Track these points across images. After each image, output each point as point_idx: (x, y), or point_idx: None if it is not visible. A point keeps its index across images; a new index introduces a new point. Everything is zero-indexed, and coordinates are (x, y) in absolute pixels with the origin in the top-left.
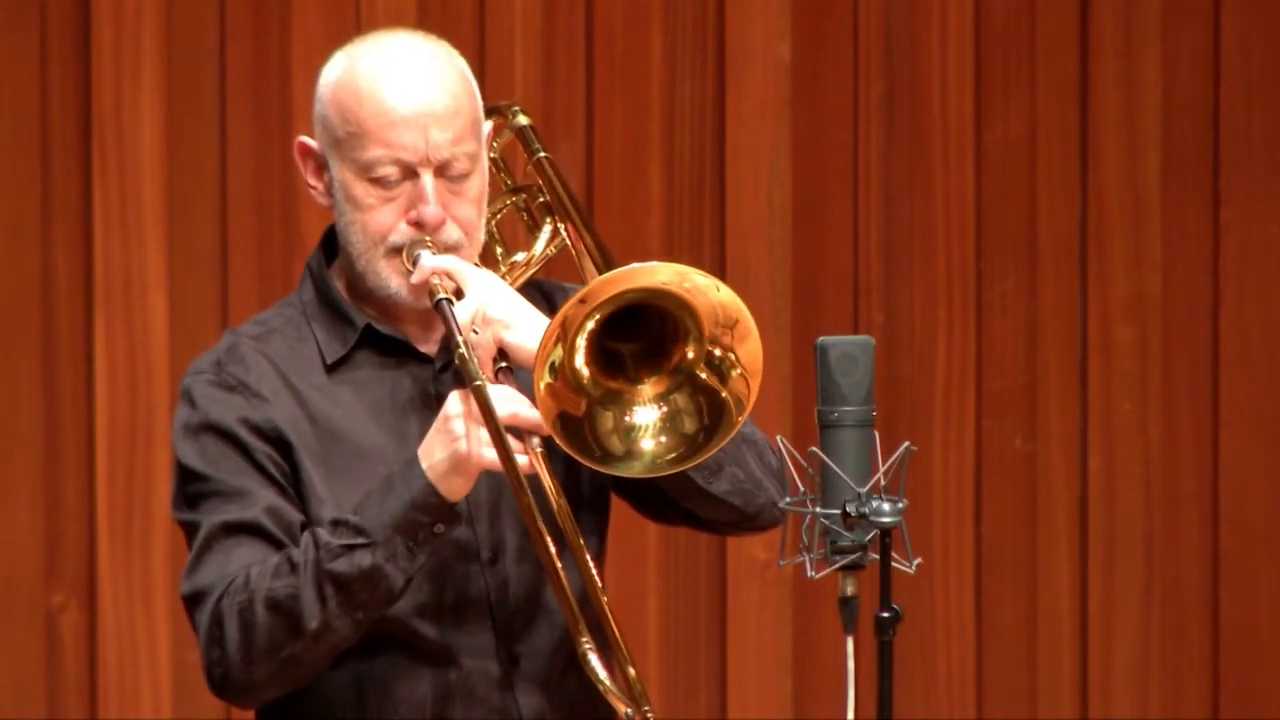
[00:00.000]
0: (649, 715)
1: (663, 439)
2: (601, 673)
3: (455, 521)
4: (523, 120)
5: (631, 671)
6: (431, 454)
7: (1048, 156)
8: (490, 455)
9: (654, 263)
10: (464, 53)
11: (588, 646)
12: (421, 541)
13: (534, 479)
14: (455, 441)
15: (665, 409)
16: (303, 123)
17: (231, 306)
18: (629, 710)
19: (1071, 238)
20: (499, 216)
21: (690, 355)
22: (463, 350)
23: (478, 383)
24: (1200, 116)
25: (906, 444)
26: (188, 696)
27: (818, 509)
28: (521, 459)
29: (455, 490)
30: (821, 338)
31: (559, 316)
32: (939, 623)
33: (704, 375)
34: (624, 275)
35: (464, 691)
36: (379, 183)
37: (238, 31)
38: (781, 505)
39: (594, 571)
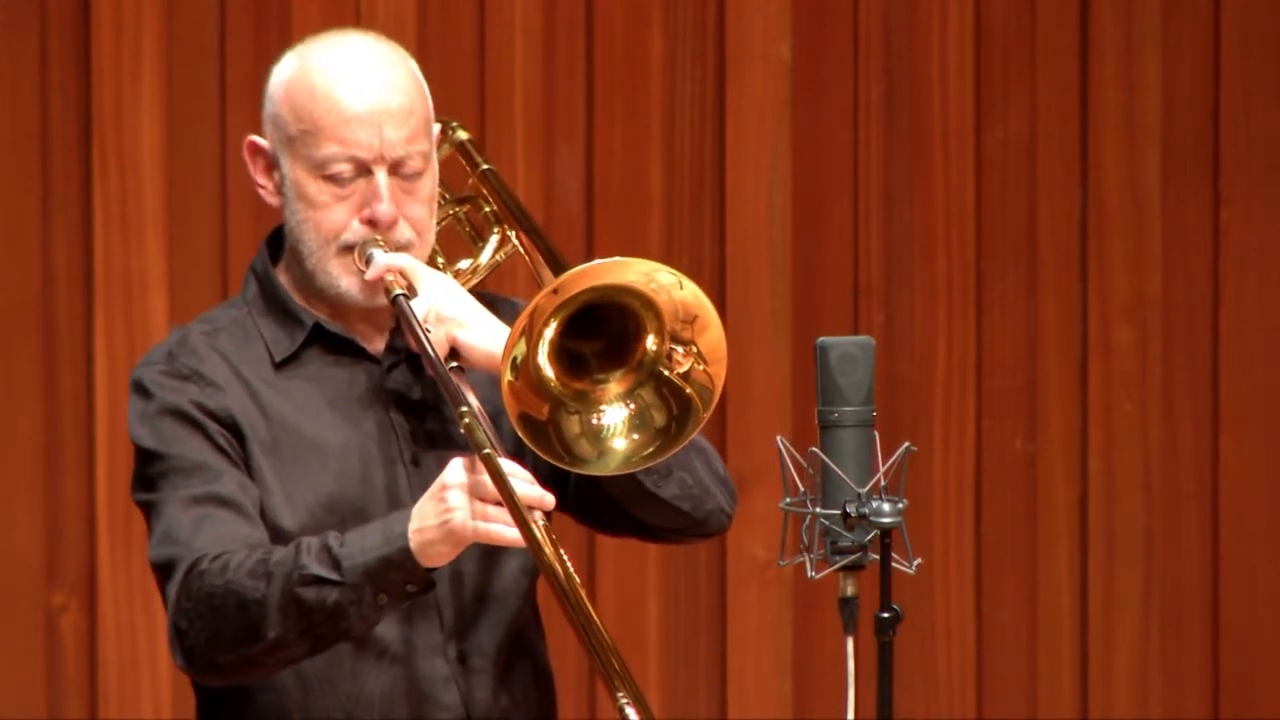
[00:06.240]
0: None
1: (635, 436)
2: None
3: (429, 587)
4: (462, 135)
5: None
6: (423, 518)
7: (1048, 156)
8: (485, 528)
9: (624, 258)
10: (464, 53)
11: (625, 701)
12: (392, 595)
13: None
14: (449, 512)
15: (633, 406)
16: None
17: None
18: None
19: (1071, 238)
20: (439, 227)
21: (652, 349)
22: (469, 420)
23: (486, 451)
24: (1200, 116)
25: (906, 444)
26: (188, 696)
27: (818, 509)
28: (514, 533)
29: (437, 557)
30: (821, 338)
31: (529, 307)
32: (939, 623)
33: (667, 369)
34: (598, 269)
35: (413, 689)
36: (332, 180)
37: (238, 31)
38: (781, 505)
39: (604, 633)
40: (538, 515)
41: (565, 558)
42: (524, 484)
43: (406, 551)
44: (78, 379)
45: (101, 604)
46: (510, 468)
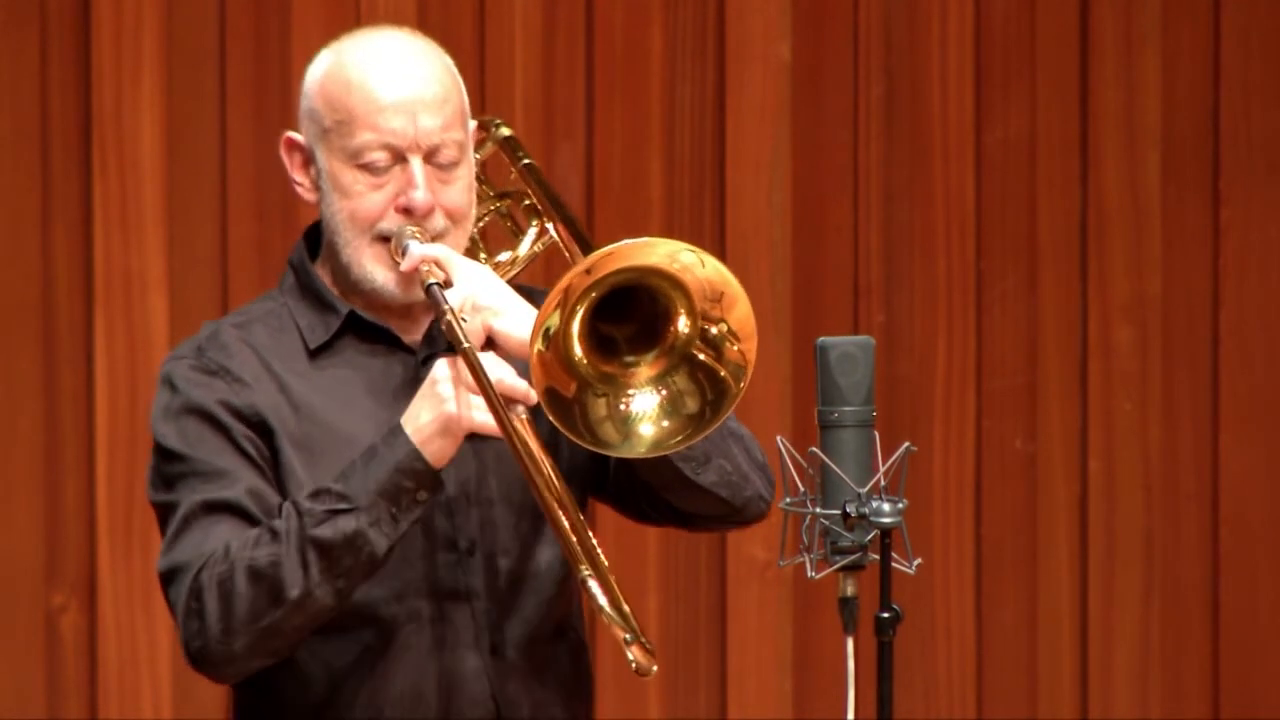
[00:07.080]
0: (646, 643)
1: (665, 423)
2: (602, 599)
3: (439, 489)
4: (505, 131)
5: (627, 607)
6: (418, 418)
7: (1048, 156)
8: (479, 418)
9: (650, 238)
10: (464, 52)
11: (587, 574)
12: (405, 508)
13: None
14: (443, 403)
15: (665, 392)
16: None
17: (231, 306)
18: (626, 635)
19: (1071, 238)
20: (482, 223)
21: (685, 331)
22: (449, 318)
23: (466, 346)
24: (1200, 116)
25: (906, 444)
26: (188, 696)
27: (818, 509)
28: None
29: (440, 454)
30: (821, 338)
31: (561, 284)
32: (939, 623)
33: (700, 352)
34: (627, 249)
35: (444, 682)
36: (368, 169)
37: (238, 31)
38: (781, 505)
39: (586, 529)
40: (520, 409)
41: (543, 454)
42: (507, 375)
43: (415, 452)
44: (78, 379)
45: (101, 604)
46: (490, 362)
